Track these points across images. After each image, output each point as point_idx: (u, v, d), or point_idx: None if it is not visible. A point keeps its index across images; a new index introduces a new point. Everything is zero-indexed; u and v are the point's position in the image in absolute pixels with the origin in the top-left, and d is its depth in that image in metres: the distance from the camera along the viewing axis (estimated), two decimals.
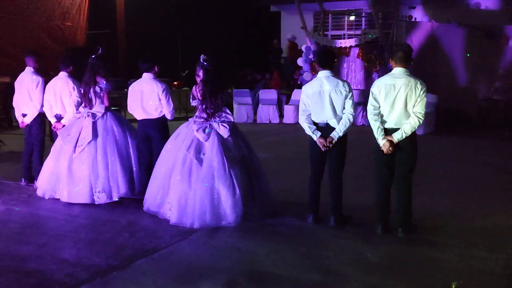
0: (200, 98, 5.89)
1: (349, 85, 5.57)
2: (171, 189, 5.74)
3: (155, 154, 6.32)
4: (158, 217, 5.82)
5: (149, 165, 6.36)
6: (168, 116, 6.41)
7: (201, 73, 5.90)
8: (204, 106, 5.85)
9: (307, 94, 5.59)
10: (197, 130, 5.78)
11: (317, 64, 5.72)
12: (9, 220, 5.90)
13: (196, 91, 5.94)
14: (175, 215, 5.62)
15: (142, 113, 6.35)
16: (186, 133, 5.89)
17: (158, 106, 6.30)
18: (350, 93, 5.49)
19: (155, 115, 6.33)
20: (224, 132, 5.77)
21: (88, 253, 4.84)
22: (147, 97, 6.30)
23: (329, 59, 5.64)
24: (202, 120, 5.85)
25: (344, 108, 5.48)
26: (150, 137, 6.37)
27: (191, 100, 6.01)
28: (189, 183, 5.62)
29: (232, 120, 5.96)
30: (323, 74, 5.56)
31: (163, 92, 6.28)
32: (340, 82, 5.51)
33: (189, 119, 6.09)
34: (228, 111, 5.96)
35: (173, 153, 5.86)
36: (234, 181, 5.59)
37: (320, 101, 5.50)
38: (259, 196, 5.85)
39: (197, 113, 5.94)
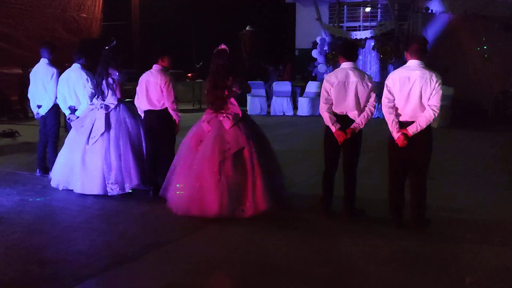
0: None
1: (372, 78, 5.57)
2: (174, 178, 5.79)
3: (159, 146, 6.37)
4: (170, 210, 5.82)
5: (154, 156, 6.39)
6: (169, 109, 6.32)
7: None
8: (210, 98, 5.82)
9: (331, 83, 5.52)
10: (202, 122, 5.81)
11: (341, 56, 5.65)
12: (23, 210, 5.95)
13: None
14: (172, 202, 5.68)
15: (147, 104, 6.36)
16: (197, 125, 5.90)
17: (160, 97, 6.30)
18: (374, 87, 5.46)
19: (157, 106, 6.33)
20: (226, 123, 5.69)
21: (100, 244, 4.87)
22: (151, 89, 6.30)
23: (354, 51, 5.62)
24: (211, 111, 5.84)
25: (367, 101, 5.45)
26: (154, 129, 6.37)
27: (205, 91, 5.99)
28: (187, 173, 5.67)
29: (238, 112, 5.76)
30: (347, 65, 5.52)
31: (164, 84, 6.25)
32: (366, 75, 5.51)
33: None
34: (234, 102, 5.80)
35: (183, 144, 5.91)
36: (221, 174, 5.49)
37: (344, 91, 5.45)
38: (255, 193, 5.54)
39: (209, 105, 5.94)
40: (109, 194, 6.38)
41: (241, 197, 5.54)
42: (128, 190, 6.44)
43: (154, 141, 6.39)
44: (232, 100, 5.79)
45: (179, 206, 5.62)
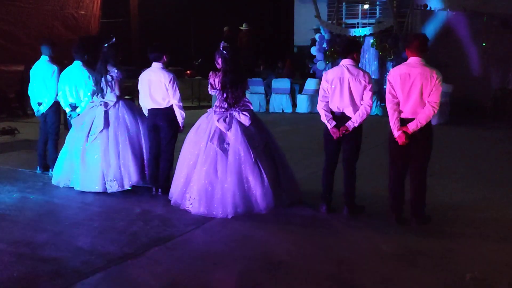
0: (219, 88, 5.86)
1: (369, 76, 5.55)
2: (193, 181, 5.70)
3: (162, 144, 6.36)
4: (172, 206, 5.85)
5: (157, 155, 6.39)
6: (176, 106, 6.31)
7: (220, 62, 5.88)
8: (224, 96, 5.82)
9: (327, 80, 5.57)
10: (218, 120, 5.76)
11: (340, 53, 5.71)
12: (25, 207, 5.96)
13: (215, 80, 5.91)
14: (201, 206, 5.57)
15: (151, 102, 6.34)
16: (207, 124, 5.86)
17: (165, 95, 6.28)
18: (370, 85, 5.46)
19: (163, 104, 6.31)
20: (245, 120, 5.75)
21: (102, 241, 4.88)
22: (155, 87, 6.29)
23: (352, 48, 5.61)
24: (223, 110, 5.84)
25: (362, 99, 5.47)
26: (158, 127, 6.36)
27: (209, 89, 5.99)
28: (215, 174, 5.61)
29: (252, 108, 5.96)
30: (345, 62, 5.55)
31: (170, 82, 6.23)
32: (361, 72, 5.50)
33: (208, 109, 6.08)
34: (247, 99, 5.94)
35: (196, 145, 5.83)
36: (262, 169, 5.62)
37: (340, 88, 5.48)
38: (286, 182, 5.88)
39: (217, 103, 5.91)
40: (108, 191, 6.39)
41: (280, 188, 5.77)
42: (127, 187, 6.45)
43: (157, 139, 6.39)
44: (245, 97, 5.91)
45: (226, 209, 5.53)
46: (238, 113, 5.79)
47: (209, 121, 5.87)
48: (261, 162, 5.64)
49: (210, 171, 5.63)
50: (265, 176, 5.61)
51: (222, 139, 5.69)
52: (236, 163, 5.59)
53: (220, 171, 5.60)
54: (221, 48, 5.83)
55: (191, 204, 5.67)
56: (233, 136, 5.67)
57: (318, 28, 16.91)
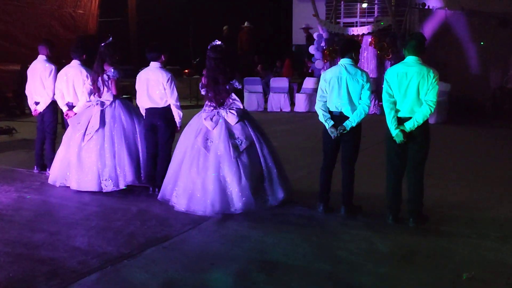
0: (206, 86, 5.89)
1: (367, 75, 5.54)
2: (179, 178, 5.77)
3: (160, 143, 6.36)
4: (168, 205, 5.84)
5: (154, 154, 6.39)
6: (173, 106, 6.32)
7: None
8: (210, 95, 5.86)
9: (325, 79, 5.57)
10: (205, 119, 5.80)
11: (338, 52, 5.72)
12: (22, 207, 5.95)
13: (204, 79, 5.94)
14: (182, 202, 5.65)
15: (148, 101, 6.34)
16: (197, 122, 5.91)
17: (163, 95, 6.28)
18: (368, 84, 5.46)
19: (160, 104, 6.31)
20: (232, 119, 5.76)
21: (99, 241, 4.87)
22: (152, 86, 6.29)
23: (351, 48, 5.60)
24: (211, 108, 5.86)
25: (360, 98, 5.46)
26: (155, 126, 6.36)
27: (200, 88, 6.01)
28: (197, 171, 5.65)
29: (241, 106, 5.93)
30: (343, 61, 5.56)
31: (167, 82, 6.23)
32: (359, 71, 5.50)
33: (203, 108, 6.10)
34: (235, 97, 5.90)
35: (184, 142, 5.89)
36: (241, 168, 5.60)
37: (338, 87, 5.48)
38: (272, 184, 5.81)
39: (207, 102, 5.95)
40: (104, 190, 6.39)
41: (261, 189, 5.71)
42: (122, 186, 6.44)
43: (155, 138, 6.39)
44: (233, 95, 5.85)
45: (206, 207, 5.56)
46: (226, 111, 5.80)
47: (199, 119, 5.91)
48: (241, 161, 5.62)
49: (192, 169, 5.68)
50: (243, 175, 5.57)
51: (206, 137, 5.73)
52: (216, 161, 5.62)
53: (201, 168, 5.64)
54: (208, 47, 5.86)
55: (177, 201, 5.71)
56: (217, 134, 5.71)
57: (306, 27, 16.93)
